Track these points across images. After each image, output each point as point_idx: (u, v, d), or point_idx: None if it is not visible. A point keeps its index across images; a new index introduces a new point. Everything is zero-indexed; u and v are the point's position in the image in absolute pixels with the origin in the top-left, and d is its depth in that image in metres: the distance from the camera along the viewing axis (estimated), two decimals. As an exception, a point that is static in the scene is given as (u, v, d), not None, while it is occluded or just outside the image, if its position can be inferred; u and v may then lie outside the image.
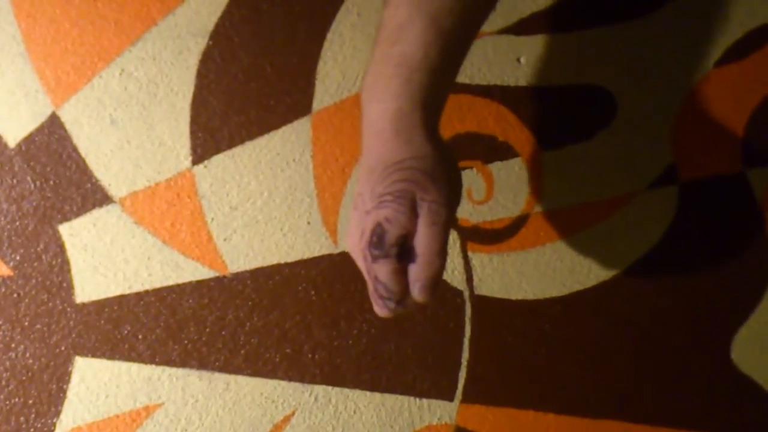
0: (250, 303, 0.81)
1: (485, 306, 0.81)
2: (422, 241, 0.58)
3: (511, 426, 0.82)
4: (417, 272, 0.59)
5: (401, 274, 0.59)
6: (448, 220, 0.59)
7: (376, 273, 0.59)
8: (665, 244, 0.81)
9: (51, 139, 0.79)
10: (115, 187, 0.80)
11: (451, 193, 0.60)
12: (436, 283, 0.59)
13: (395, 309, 0.60)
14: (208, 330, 0.81)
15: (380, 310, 0.61)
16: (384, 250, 0.58)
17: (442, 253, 0.59)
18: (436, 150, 0.60)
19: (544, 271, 0.81)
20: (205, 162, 0.80)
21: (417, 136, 0.60)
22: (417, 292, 0.59)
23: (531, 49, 0.80)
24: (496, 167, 0.81)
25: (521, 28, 0.80)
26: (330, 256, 0.81)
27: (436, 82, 0.61)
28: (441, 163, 0.60)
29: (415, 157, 0.59)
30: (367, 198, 0.60)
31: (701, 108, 0.81)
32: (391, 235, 0.58)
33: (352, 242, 0.62)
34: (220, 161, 0.80)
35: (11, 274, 0.80)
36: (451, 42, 0.62)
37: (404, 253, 0.59)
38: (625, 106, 0.80)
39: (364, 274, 0.61)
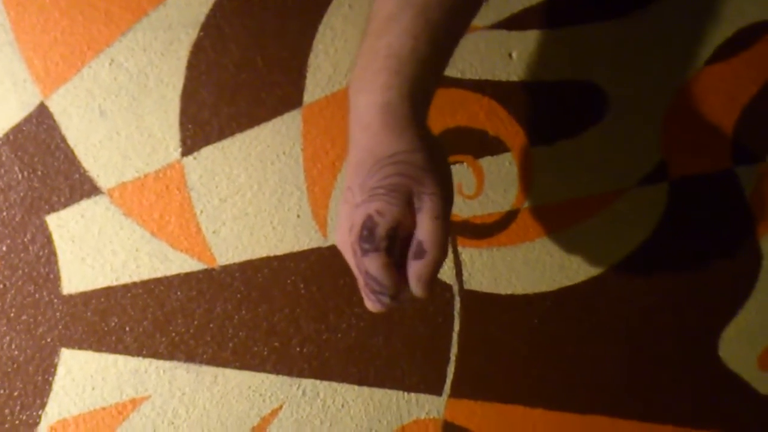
0: (238, 296, 0.81)
1: (474, 300, 0.81)
2: (425, 234, 0.57)
3: (499, 421, 0.82)
4: (419, 267, 0.57)
5: (392, 267, 0.58)
6: (448, 213, 0.58)
7: (366, 267, 0.58)
8: (655, 240, 0.81)
9: (39, 129, 0.79)
10: (104, 178, 0.79)
11: (445, 187, 0.59)
12: (436, 277, 0.58)
13: (389, 304, 0.59)
14: (196, 323, 0.81)
15: (372, 305, 0.59)
16: (374, 244, 0.57)
17: (444, 247, 0.57)
18: (426, 144, 0.59)
19: (534, 266, 0.81)
20: (195, 154, 0.79)
21: (407, 130, 0.58)
22: (418, 287, 0.58)
23: (523, 44, 0.80)
24: (486, 162, 0.81)
25: (513, 23, 0.79)
26: (319, 249, 0.80)
27: (425, 75, 0.60)
28: (433, 157, 0.58)
29: (407, 150, 0.58)
30: (356, 192, 0.59)
31: (692, 105, 0.81)
32: (382, 227, 0.57)
33: (341, 237, 0.60)
34: (210, 153, 0.80)
35: (-3, 264, 0.79)
36: (440, 34, 0.60)
37: (394, 246, 0.57)
38: (616, 102, 0.80)
39: (353, 269, 0.60)
